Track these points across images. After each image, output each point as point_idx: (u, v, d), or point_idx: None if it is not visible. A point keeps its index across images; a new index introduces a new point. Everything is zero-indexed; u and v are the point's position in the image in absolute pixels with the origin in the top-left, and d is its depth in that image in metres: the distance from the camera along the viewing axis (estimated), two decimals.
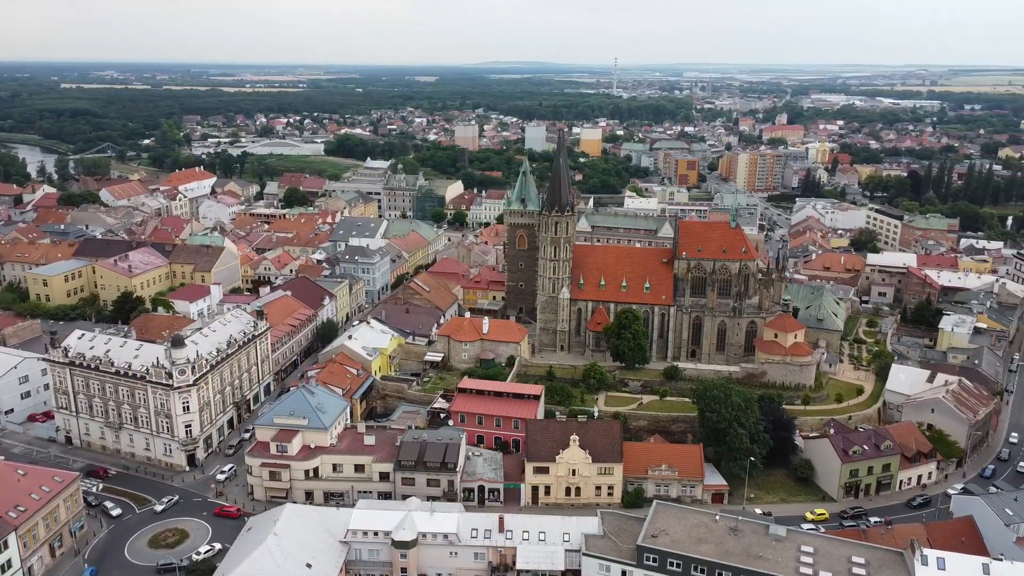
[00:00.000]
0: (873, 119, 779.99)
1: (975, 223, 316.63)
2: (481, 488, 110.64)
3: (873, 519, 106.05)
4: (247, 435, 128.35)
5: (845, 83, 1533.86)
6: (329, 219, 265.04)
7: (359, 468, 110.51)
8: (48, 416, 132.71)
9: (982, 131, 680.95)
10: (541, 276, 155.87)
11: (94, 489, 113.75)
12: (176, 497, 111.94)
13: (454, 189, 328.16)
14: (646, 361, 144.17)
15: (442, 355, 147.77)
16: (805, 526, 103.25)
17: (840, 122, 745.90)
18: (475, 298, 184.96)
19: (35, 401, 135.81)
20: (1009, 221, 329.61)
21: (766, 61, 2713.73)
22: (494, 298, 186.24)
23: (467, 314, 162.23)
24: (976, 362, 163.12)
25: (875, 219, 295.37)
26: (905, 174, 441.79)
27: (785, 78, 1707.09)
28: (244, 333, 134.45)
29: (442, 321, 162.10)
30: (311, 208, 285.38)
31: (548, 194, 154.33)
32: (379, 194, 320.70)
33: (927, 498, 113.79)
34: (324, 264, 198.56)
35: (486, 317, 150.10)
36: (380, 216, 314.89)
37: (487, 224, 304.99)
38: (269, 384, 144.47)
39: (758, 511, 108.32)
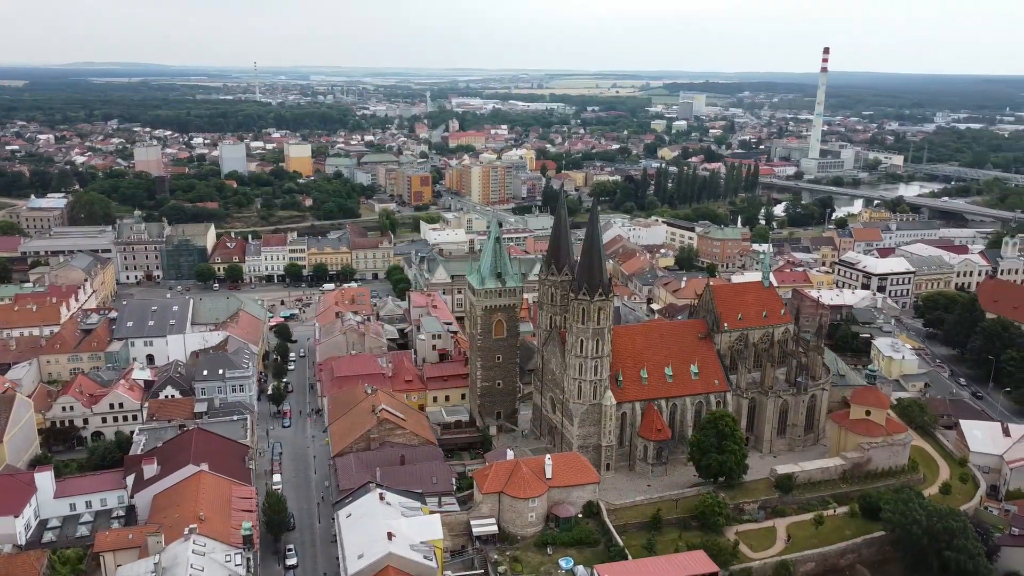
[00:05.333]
0: (528, 123, 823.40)
1: (716, 221, 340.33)
2: None
3: None
4: None
5: (468, 86, 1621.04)
6: (73, 300, 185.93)
7: None
8: None
9: (626, 132, 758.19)
10: (576, 379, 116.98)
11: None
12: None
13: (211, 236, 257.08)
14: (745, 472, 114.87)
15: (494, 521, 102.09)
16: None
17: (504, 127, 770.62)
18: (415, 404, 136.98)
19: None
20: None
21: (379, 65, 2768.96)
22: (447, 399, 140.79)
23: (509, 459, 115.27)
24: (928, 386, 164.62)
25: (671, 233, 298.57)
26: (619, 178, 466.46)
27: (410, 81, 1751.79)
28: None
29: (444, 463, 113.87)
30: (30, 285, 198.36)
31: (582, 273, 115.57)
32: (108, 251, 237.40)
33: None
34: (172, 390, 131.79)
35: (548, 456, 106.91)
36: (117, 282, 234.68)
37: (270, 277, 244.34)
38: None
39: None
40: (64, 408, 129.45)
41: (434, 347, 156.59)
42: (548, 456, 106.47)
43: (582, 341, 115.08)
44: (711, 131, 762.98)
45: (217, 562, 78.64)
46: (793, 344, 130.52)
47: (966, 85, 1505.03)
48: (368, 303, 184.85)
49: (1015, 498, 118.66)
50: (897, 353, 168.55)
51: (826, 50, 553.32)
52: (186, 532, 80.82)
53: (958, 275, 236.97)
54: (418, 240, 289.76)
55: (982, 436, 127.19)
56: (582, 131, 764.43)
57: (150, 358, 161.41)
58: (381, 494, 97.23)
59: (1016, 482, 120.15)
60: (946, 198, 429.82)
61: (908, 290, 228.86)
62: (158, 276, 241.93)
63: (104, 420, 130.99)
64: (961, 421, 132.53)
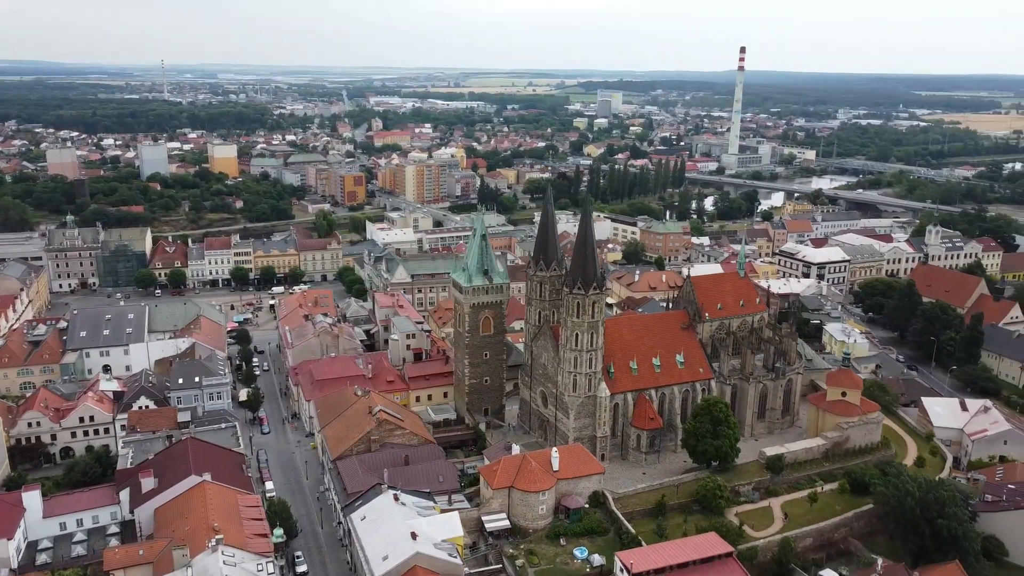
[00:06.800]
0: (451, 121, 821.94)
1: (652, 216, 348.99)
2: None
3: None
4: None
5: (384, 84, 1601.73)
6: (11, 311, 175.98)
7: None
8: None
9: (549, 129, 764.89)
10: (572, 373, 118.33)
11: None
12: None
13: (148, 241, 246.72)
14: (737, 456, 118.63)
15: (505, 516, 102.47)
16: None
17: (428, 125, 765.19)
18: (404, 403, 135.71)
19: None
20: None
21: (290, 63, 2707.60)
22: (430, 398, 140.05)
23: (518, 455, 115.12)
24: (879, 368, 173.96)
25: (615, 228, 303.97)
26: (550, 175, 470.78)
27: (324, 80, 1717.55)
28: None
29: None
30: None
31: (576, 268, 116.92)
32: (39, 259, 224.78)
33: None
34: (146, 401, 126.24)
35: (555, 449, 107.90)
36: (50, 291, 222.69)
37: (214, 282, 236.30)
38: None
39: None
40: (30, 424, 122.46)
41: (408, 347, 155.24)
42: (555, 449, 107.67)
43: (577, 335, 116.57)
44: (631, 128, 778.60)
45: (250, 572, 76.42)
46: (770, 331, 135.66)
47: (862, 83, 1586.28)
48: (332, 305, 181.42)
49: (976, 468, 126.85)
50: (848, 337, 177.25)
51: (743, 49, 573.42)
52: (213, 543, 78.06)
53: (888, 262, 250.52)
54: (358, 241, 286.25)
55: (943, 412, 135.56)
56: (505, 129, 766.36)
57: (106, 368, 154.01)
58: (396, 495, 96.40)
59: (977, 453, 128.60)
60: (860, 190, 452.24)
61: (844, 278, 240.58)
62: (94, 284, 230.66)
63: (74, 435, 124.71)
64: (923, 399, 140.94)
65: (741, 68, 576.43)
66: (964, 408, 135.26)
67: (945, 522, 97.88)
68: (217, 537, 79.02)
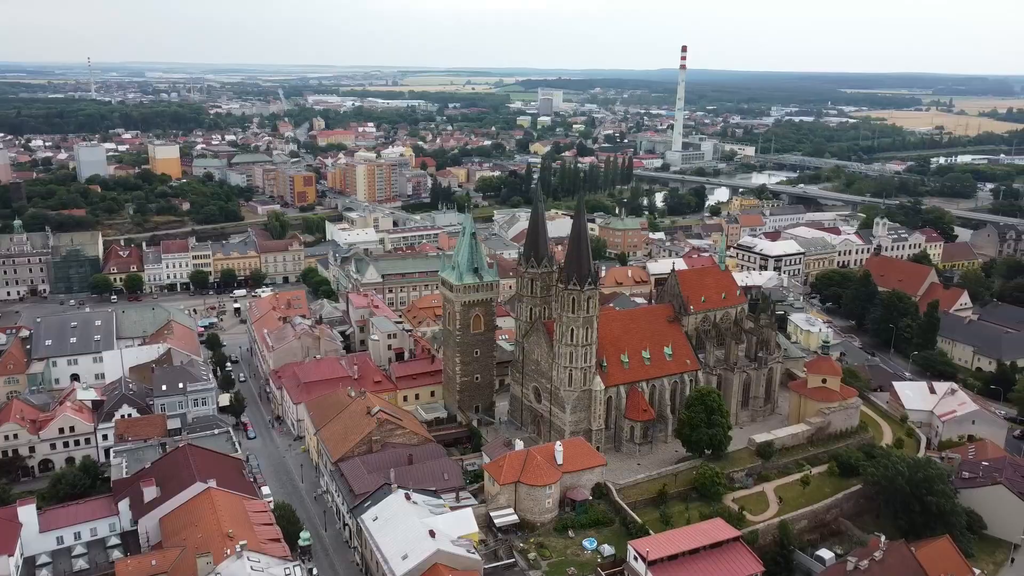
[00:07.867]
0: (393, 120, 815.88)
1: (607, 212, 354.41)
2: None
3: None
4: None
5: (320, 83, 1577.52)
6: None
7: None
8: None
9: (494, 128, 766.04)
10: (567, 368, 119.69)
11: None
12: None
13: (100, 245, 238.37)
14: (729, 443, 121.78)
15: (512, 511, 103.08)
16: None
17: (371, 124, 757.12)
18: (393, 403, 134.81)
19: None
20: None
21: (220, 61, 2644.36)
22: (417, 398, 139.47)
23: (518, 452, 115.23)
24: (844, 355, 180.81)
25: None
26: (500, 173, 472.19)
27: (258, 79, 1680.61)
28: None
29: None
30: None
31: (570, 264, 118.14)
32: None
33: None
34: (128, 409, 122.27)
35: (558, 443, 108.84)
36: (20, 300, 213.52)
37: (172, 286, 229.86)
38: None
39: None
40: (7, 437, 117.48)
41: (390, 346, 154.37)
42: (558, 443, 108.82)
43: (572, 330, 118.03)
44: (574, 126, 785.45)
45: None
46: (751, 322, 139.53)
47: (791, 82, 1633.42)
48: (306, 306, 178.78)
49: (946, 447, 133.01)
50: (813, 327, 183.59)
51: (684, 48, 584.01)
52: (238, 549, 76.62)
53: (840, 254, 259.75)
54: (313, 242, 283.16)
55: (913, 395, 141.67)
56: (450, 128, 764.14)
57: (75, 377, 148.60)
58: (407, 494, 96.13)
59: (947, 433, 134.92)
60: (802, 185, 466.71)
61: (800, 270, 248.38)
62: (44, 291, 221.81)
63: (53, 446, 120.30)
64: (894, 383, 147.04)
65: (683, 67, 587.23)
66: (932, 391, 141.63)
67: (934, 499, 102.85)
68: (241, 542, 77.55)
